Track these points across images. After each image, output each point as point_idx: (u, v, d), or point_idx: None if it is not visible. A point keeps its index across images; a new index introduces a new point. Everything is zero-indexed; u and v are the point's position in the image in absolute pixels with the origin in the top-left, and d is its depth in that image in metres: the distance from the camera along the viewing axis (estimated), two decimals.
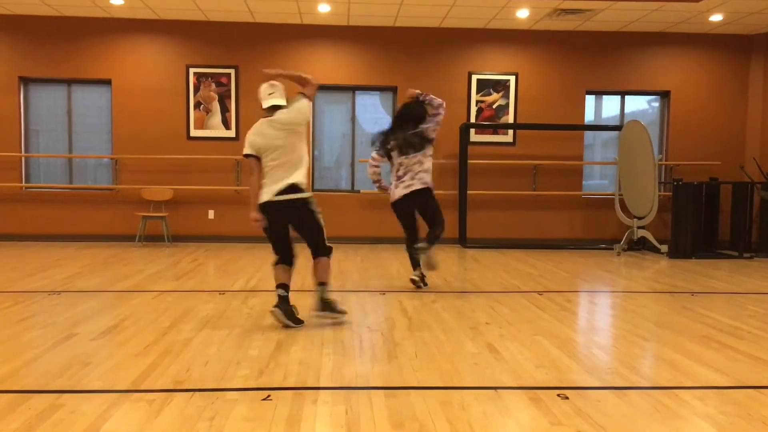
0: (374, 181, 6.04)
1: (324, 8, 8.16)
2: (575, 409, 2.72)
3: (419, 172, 5.51)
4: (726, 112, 9.44)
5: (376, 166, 5.90)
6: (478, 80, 9.22)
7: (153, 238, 8.92)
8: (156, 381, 3.04)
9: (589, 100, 9.56)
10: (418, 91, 5.80)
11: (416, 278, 5.62)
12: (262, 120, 4.24)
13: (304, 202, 4.17)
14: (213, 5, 8.16)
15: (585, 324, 4.55)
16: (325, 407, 2.72)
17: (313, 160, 9.28)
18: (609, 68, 9.31)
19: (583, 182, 9.56)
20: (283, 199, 4.11)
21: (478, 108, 9.25)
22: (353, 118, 9.38)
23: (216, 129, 9.05)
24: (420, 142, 5.53)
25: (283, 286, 4.20)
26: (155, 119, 8.97)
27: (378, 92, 9.44)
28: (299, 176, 4.17)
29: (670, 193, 8.57)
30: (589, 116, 9.59)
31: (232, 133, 9.05)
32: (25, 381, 3.03)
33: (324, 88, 9.23)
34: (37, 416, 2.58)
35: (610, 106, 9.69)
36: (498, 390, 2.97)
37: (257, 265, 6.93)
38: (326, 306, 4.28)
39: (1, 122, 8.84)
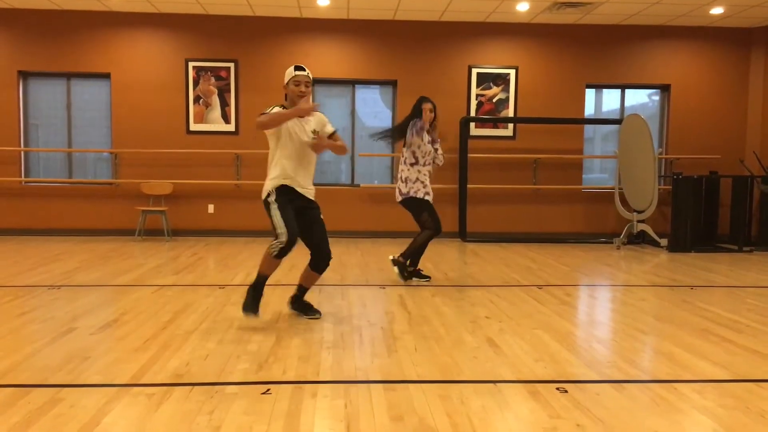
0: None
1: (323, 1, 8.13)
2: (574, 403, 2.73)
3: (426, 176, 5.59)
4: (726, 106, 9.43)
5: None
6: (478, 74, 9.20)
7: (153, 233, 8.92)
8: (156, 375, 3.04)
9: (589, 94, 9.54)
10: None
11: (394, 257, 5.61)
12: None
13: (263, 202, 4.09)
14: None
15: (584, 318, 4.55)
16: (325, 401, 2.73)
17: None
18: (609, 62, 9.29)
19: (583, 176, 9.55)
20: None
21: (478, 102, 9.23)
22: (353, 112, 9.36)
23: (216, 123, 9.04)
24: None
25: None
26: (155, 113, 8.96)
27: (378, 86, 9.42)
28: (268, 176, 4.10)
29: (670, 187, 8.57)
30: (589, 110, 9.57)
31: (231, 127, 9.04)
32: (24, 375, 3.03)
33: (324, 81, 9.23)
34: (37, 410, 2.58)
35: (610, 100, 9.67)
36: (497, 384, 2.98)
37: (257, 259, 6.92)
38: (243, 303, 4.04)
39: (1, 116, 8.83)
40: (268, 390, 2.85)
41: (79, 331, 3.85)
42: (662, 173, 9.34)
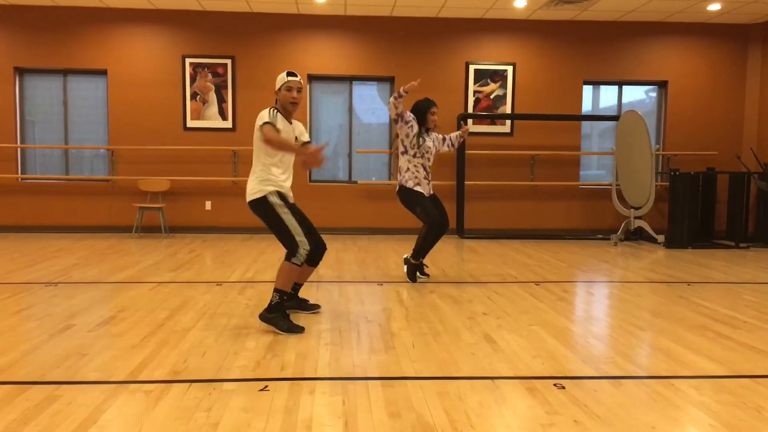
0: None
1: None
2: (571, 399, 2.73)
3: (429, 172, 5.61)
4: (723, 102, 9.44)
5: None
6: (476, 70, 9.20)
7: (150, 230, 8.91)
8: (153, 372, 3.04)
9: (587, 90, 9.54)
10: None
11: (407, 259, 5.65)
12: None
13: (249, 203, 4.03)
14: None
15: (581, 314, 4.56)
16: (323, 398, 2.73)
17: None
18: (606, 58, 9.29)
19: (581, 172, 9.56)
20: None
21: (476, 98, 9.23)
22: (350, 109, 9.35)
23: (213, 120, 9.02)
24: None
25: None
26: (152, 110, 8.94)
27: (375, 82, 9.40)
28: (249, 179, 4.04)
29: (667, 183, 8.58)
30: (586, 106, 9.57)
31: (228, 124, 9.03)
32: (22, 372, 3.03)
33: (321, 78, 9.22)
34: (35, 407, 2.58)
35: (608, 96, 9.67)
36: (495, 380, 2.98)
37: (254, 255, 6.93)
38: (267, 319, 3.86)
39: None
40: (266, 387, 2.85)
41: (77, 328, 3.84)
42: (659, 170, 9.35)
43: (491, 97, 9.24)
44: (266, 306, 3.91)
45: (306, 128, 3.96)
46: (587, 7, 8.47)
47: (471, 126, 9.18)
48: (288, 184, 4.08)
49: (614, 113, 9.52)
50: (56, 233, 8.82)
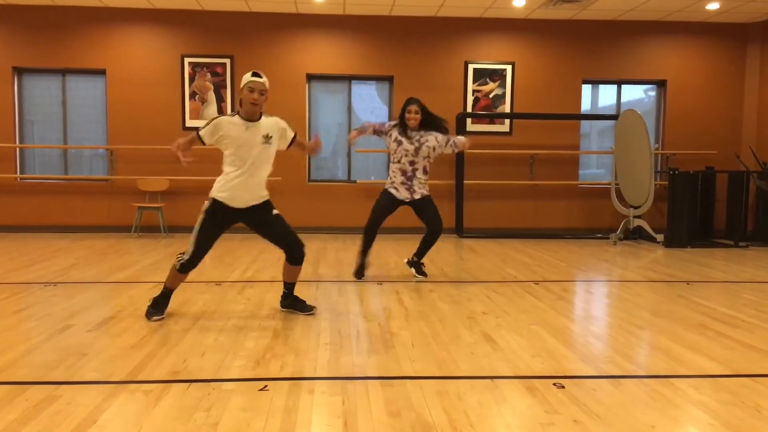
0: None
1: None
2: (571, 398, 2.74)
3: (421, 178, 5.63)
4: (722, 101, 9.44)
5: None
6: (475, 69, 9.20)
7: (149, 229, 8.91)
8: (153, 372, 3.04)
9: (586, 90, 9.54)
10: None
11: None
12: None
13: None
14: None
15: (581, 313, 4.56)
16: (322, 397, 2.73)
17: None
18: (605, 57, 9.30)
19: (580, 172, 9.57)
20: None
21: (475, 97, 9.23)
22: (349, 108, 9.35)
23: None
24: None
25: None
26: (150, 109, 8.93)
27: (374, 82, 9.40)
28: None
29: (666, 183, 8.58)
30: (585, 105, 9.58)
31: None
32: (21, 372, 3.03)
33: (320, 77, 9.21)
34: (34, 408, 2.58)
35: (607, 96, 9.67)
36: (494, 379, 2.98)
37: (253, 255, 6.93)
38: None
39: None
40: (266, 386, 2.85)
41: (76, 328, 3.84)
42: (658, 169, 9.36)
43: (490, 96, 9.24)
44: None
45: (306, 128, 3.99)
46: (586, 7, 8.47)
47: (470, 125, 9.18)
48: (250, 193, 4.06)
49: (613, 112, 9.52)
50: (55, 233, 8.81)
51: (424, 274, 5.69)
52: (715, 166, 8.97)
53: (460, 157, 8.91)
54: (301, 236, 4.30)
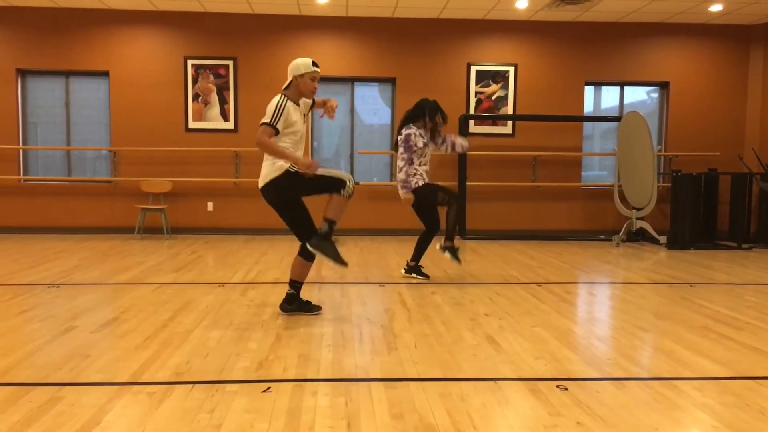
0: None
1: None
2: (574, 400, 2.73)
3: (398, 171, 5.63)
4: (725, 103, 9.43)
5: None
6: (477, 71, 9.20)
7: (152, 231, 8.92)
8: (156, 373, 3.04)
9: (589, 91, 9.54)
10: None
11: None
12: None
13: (264, 190, 4.12)
14: None
15: (584, 315, 4.56)
16: (325, 399, 2.73)
17: (312, 151, 9.27)
18: (608, 59, 9.29)
19: (583, 173, 9.56)
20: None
21: (477, 99, 9.23)
22: (352, 110, 9.36)
23: (214, 121, 9.03)
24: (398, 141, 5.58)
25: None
26: (153, 111, 8.95)
27: (377, 83, 9.41)
28: (264, 164, 4.14)
29: (669, 184, 8.57)
30: (588, 107, 9.58)
31: (230, 125, 9.03)
32: (25, 374, 3.03)
33: (323, 79, 9.17)
34: (38, 409, 2.58)
35: (609, 97, 9.67)
36: (497, 381, 2.98)
37: (256, 257, 6.93)
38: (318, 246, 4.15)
39: None
40: (269, 388, 2.85)
41: (79, 329, 3.85)
42: (661, 170, 9.35)
43: (493, 98, 9.24)
44: (317, 233, 4.11)
45: (308, 129, 4.08)
46: (589, 8, 8.47)
47: (473, 127, 9.19)
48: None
49: (616, 114, 9.51)
50: (58, 234, 8.83)
51: (425, 275, 5.68)
52: (718, 168, 8.96)
53: (462, 159, 8.91)
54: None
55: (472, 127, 9.18)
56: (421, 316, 4.27)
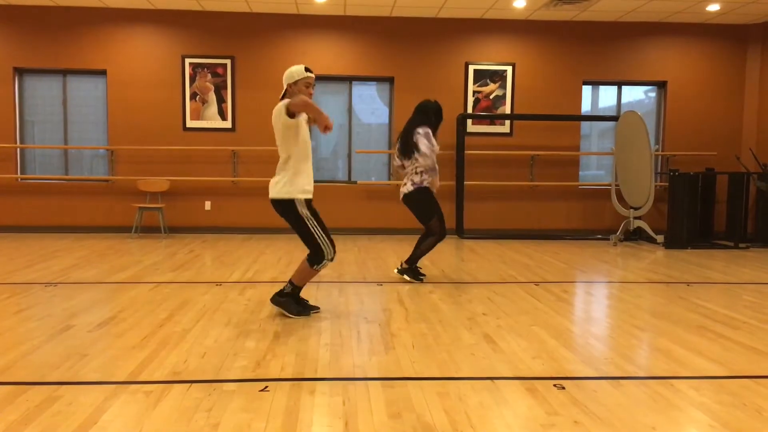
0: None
1: None
2: (571, 399, 2.74)
3: (408, 174, 5.51)
4: (722, 103, 9.44)
5: (400, 166, 5.64)
6: (475, 70, 9.20)
7: (149, 230, 8.91)
8: (153, 372, 3.04)
9: (586, 91, 9.55)
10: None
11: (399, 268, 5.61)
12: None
13: (277, 202, 4.09)
14: None
15: (581, 314, 4.56)
16: (323, 398, 2.73)
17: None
18: (606, 58, 9.30)
19: (580, 173, 9.57)
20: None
21: (475, 98, 9.23)
22: (350, 109, 9.35)
23: (212, 120, 9.02)
24: (409, 144, 5.47)
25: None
26: (151, 110, 8.94)
27: (375, 83, 9.41)
28: (277, 177, 4.08)
29: (667, 184, 8.59)
30: (585, 107, 9.58)
31: (228, 124, 9.02)
32: (22, 373, 3.03)
33: (321, 78, 9.21)
34: (35, 408, 2.58)
35: (607, 97, 9.68)
36: (495, 380, 2.98)
37: (254, 256, 6.93)
38: (279, 302, 4.22)
39: None
40: (266, 387, 2.85)
41: (77, 328, 3.84)
42: (659, 170, 9.36)
43: (491, 97, 9.24)
44: (278, 291, 4.21)
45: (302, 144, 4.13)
46: (587, 8, 8.48)
47: (471, 126, 9.19)
48: (312, 178, 4.18)
49: (613, 113, 9.53)
50: (56, 233, 8.82)
51: (423, 274, 5.63)
52: (716, 168, 8.98)
53: (460, 158, 8.91)
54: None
55: (470, 127, 9.19)
56: (419, 316, 4.28)
